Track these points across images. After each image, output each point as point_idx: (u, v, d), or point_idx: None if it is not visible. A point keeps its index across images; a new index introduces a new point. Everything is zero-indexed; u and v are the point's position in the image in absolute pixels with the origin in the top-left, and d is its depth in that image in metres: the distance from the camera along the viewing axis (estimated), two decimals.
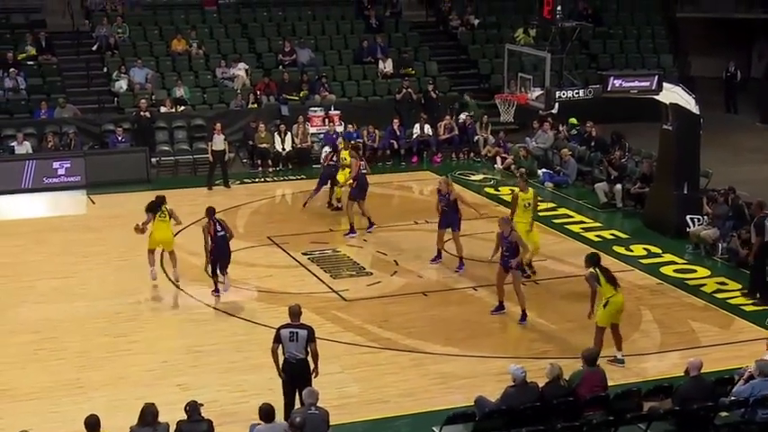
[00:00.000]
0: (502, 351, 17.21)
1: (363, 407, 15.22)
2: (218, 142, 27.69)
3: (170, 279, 20.38)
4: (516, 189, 21.10)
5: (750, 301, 19.43)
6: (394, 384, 15.98)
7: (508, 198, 26.25)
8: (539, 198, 21.80)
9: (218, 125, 28.06)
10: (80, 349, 17.26)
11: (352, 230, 23.34)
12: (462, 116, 31.78)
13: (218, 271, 19.48)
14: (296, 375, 13.94)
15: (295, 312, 14.28)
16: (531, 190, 20.89)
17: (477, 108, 32.17)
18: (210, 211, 19.36)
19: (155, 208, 20.09)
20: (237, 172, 28.87)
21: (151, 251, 20.23)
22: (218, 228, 19.20)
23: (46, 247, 22.75)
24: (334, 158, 25.18)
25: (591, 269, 16.52)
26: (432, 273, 21.14)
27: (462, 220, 21.08)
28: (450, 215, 20.92)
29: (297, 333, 13.98)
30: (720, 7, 40.81)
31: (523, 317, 18.49)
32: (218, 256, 19.33)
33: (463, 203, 21.27)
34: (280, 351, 14.06)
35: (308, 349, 13.99)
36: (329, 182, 25.28)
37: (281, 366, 14.11)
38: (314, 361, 14.05)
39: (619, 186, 25.66)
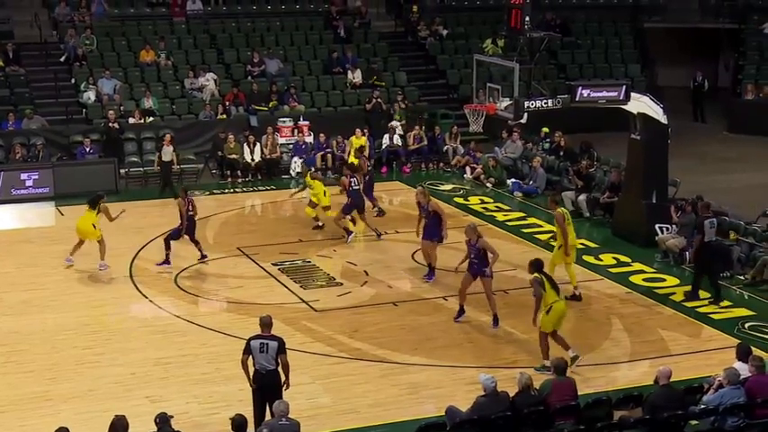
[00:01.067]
0: (472, 360, 17.22)
1: (334, 417, 15.18)
2: (167, 153, 28.21)
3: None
4: (560, 210, 20.08)
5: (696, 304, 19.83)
6: (365, 395, 15.96)
7: (477, 208, 26.41)
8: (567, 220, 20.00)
9: (168, 136, 28.70)
10: (48, 362, 17.13)
11: (348, 232, 23.55)
12: (394, 123, 31.65)
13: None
14: (266, 386, 13.88)
15: (266, 323, 14.22)
16: (559, 210, 20.10)
17: (405, 116, 32.13)
18: (184, 189, 22.27)
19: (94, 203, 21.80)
20: (207, 183, 28.81)
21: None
22: (191, 207, 21.65)
23: (14, 258, 22.59)
24: (353, 182, 23.77)
25: (536, 274, 16.68)
26: (402, 283, 21.14)
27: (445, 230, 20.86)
28: (431, 227, 20.77)
29: (267, 344, 13.93)
30: (687, 17, 41.22)
31: (495, 322, 18.58)
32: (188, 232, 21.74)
33: (442, 213, 21.00)
34: (250, 362, 14.01)
35: (279, 360, 13.94)
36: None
37: (251, 377, 14.06)
38: (284, 373, 13.99)
39: (583, 197, 25.74)
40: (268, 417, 13.50)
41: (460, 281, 18.86)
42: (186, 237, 21.86)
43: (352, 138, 29.46)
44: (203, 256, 22.06)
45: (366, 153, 28.01)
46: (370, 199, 25.19)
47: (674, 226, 22.45)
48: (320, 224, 24.47)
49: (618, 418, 13.71)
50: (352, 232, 23.66)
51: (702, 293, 20.26)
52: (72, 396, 15.85)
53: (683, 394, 13.91)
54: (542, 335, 16.64)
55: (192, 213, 21.83)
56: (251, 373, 14.04)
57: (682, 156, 26.82)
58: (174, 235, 21.81)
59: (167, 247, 21.72)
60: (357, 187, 23.82)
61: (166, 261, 21.75)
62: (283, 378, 14.00)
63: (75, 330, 18.53)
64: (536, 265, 16.85)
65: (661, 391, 13.65)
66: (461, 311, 18.97)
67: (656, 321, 19.09)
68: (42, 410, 15.33)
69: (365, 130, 30.07)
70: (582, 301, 19.76)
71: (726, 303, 19.87)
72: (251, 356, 13.98)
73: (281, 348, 13.95)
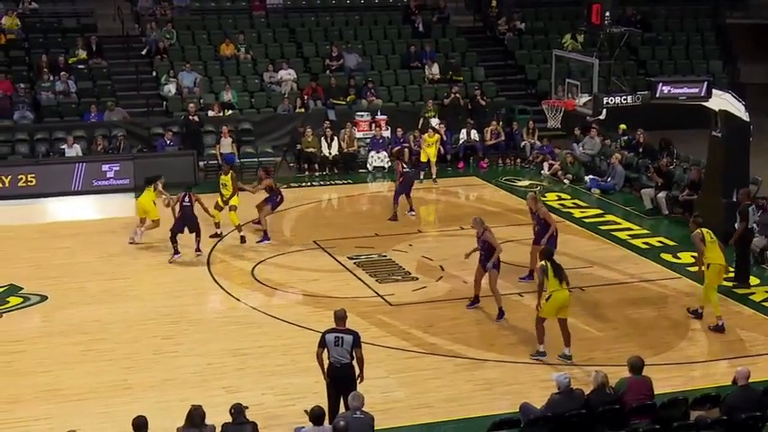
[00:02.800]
0: (547, 358, 17.10)
1: (409, 411, 15.22)
2: (226, 145, 28.83)
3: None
4: (699, 230, 18.70)
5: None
6: (439, 389, 15.98)
7: (554, 204, 26.27)
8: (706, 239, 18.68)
9: (225, 128, 29.36)
10: (128, 351, 17.41)
11: (265, 237, 23.35)
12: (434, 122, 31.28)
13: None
14: (340, 380, 13.95)
15: (341, 317, 14.29)
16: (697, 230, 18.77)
17: (438, 111, 31.84)
18: (186, 188, 22.72)
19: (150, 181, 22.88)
20: (284, 176, 29.00)
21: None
22: (186, 200, 21.93)
23: (95, 249, 22.95)
24: (404, 166, 25.38)
25: (543, 262, 16.99)
26: None
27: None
28: (540, 233, 20.18)
29: (342, 338, 14.00)
30: None
31: (500, 315, 18.73)
32: (186, 224, 22.03)
33: (550, 220, 20.36)
34: (325, 355, 14.08)
35: (354, 354, 14.00)
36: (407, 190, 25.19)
37: (325, 371, 14.14)
38: (359, 366, 14.05)
39: (663, 194, 25.49)
40: (342, 410, 13.58)
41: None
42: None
43: (425, 136, 29.42)
44: (198, 250, 22.15)
45: (435, 149, 28.70)
46: (396, 200, 25.07)
47: (754, 225, 22.11)
48: (219, 231, 23.52)
49: (695, 418, 13.57)
50: (267, 238, 23.34)
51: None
52: (150, 385, 16.09)
53: (762, 395, 13.72)
54: (539, 320, 17.03)
55: (188, 204, 21.87)
56: (326, 367, 14.10)
57: (763, 154, 26.39)
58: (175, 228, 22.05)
59: (173, 241, 21.91)
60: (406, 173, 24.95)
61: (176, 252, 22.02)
62: (358, 371, 14.06)
63: (154, 320, 18.80)
64: (545, 254, 17.35)
65: (739, 392, 13.48)
66: (476, 300, 19.24)
67: (735, 321, 18.82)
68: (122, 398, 15.59)
69: (438, 128, 30.05)
70: (723, 332, 18.24)
71: None
72: (326, 350, 14.04)
73: (356, 342, 14.01)
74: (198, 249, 22.12)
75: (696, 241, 18.63)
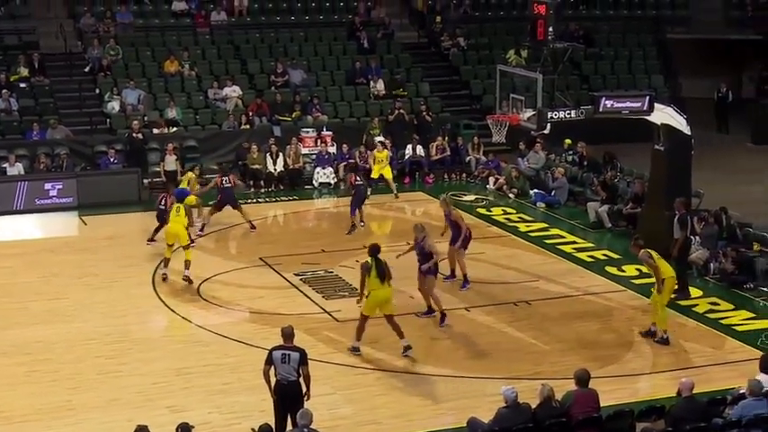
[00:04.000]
0: (494, 372, 17.16)
1: (356, 428, 15.18)
2: (170, 162, 28.83)
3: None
4: (647, 251, 18.56)
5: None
6: (386, 405, 15.95)
7: (500, 218, 26.38)
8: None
9: (170, 146, 29.28)
10: (72, 371, 17.20)
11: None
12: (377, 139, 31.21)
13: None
14: (288, 397, 13.89)
15: (288, 334, 14.24)
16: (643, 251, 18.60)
17: (382, 127, 31.88)
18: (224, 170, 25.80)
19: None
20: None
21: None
22: (227, 182, 25.00)
23: (38, 268, 22.70)
24: (358, 179, 25.70)
25: (368, 259, 17.49)
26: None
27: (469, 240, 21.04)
28: (454, 235, 20.90)
29: (289, 355, 13.94)
30: (711, 28, 41.01)
31: (442, 319, 19.12)
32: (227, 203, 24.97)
33: (461, 222, 21.06)
34: (272, 373, 14.02)
35: (301, 371, 13.95)
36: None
37: (272, 388, 14.07)
38: (306, 384, 13.99)
39: (605, 208, 25.69)
40: (289, 427, 13.51)
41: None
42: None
43: (375, 152, 29.41)
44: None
45: (382, 166, 28.77)
46: (353, 212, 25.40)
47: (696, 238, 22.35)
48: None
49: (640, 430, 13.66)
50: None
51: (725, 305, 20.28)
52: (95, 405, 15.90)
53: (706, 406, 13.84)
54: (362, 317, 17.67)
55: (229, 186, 25.09)
56: (273, 384, 14.05)
57: (705, 167, 26.71)
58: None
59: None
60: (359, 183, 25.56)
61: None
62: (305, 389, 14.01)
63: (97, 340, 18.60)
64: (370, 250, 17.72)
65: (684, 403, 13.58)
66: (430, 310, 19.46)
67: (679, 333, 18.98)
68: (65, 419, 15.41)
69: (386, 143, 30.11)
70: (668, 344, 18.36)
71: (749, 315, 19.82)
72: (273, 367, 13.99)
73: (303, 359, 13.97)
74: (252, 227, 25.08)
75: (647, 261, 18.52)
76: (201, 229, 24.63)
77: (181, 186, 24.66)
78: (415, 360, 17.58)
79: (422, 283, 19.25)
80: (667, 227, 21.68)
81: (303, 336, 17.32)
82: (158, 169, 29.41)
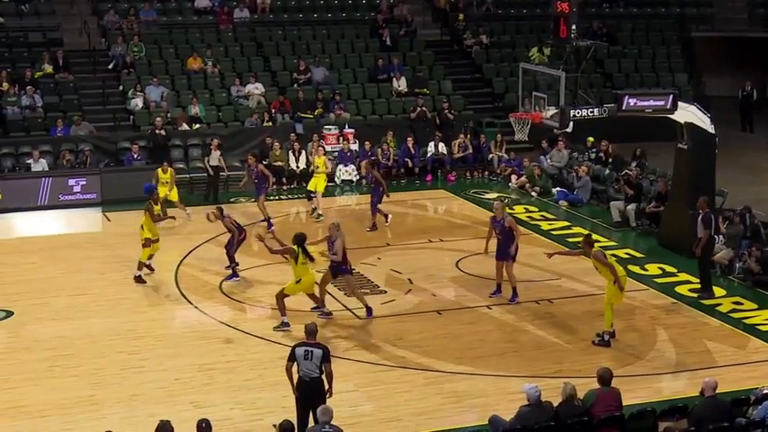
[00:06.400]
0: (516, 370, 17.15)
1: (377, 425, 15.18)
2: (214, 158, 28.64)
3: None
4: (596, 248, 18.60)
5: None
6: (408, 403, 15.94)
7: (522, 216, 26.33)
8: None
9: (215, 141, 29.09)
10: (94, 366, 17.27)
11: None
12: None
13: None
14: (310, 394, 13.91)
15: (311, 331, 14.28)
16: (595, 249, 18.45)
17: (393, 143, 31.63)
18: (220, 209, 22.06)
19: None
20: (251, 190, 28.86)
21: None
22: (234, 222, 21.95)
23: (61, 264, 22.80)
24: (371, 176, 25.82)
25: (294, 246, 18.24)
26: (446, 291, 21.09)
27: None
28: (503, 244, 20.05)
29: (312, 352, 13.96)
30: (735, 26, 40.82)
31: (368, 312, 19.43)
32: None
33: (517, 231, 20.25)
34: (294, 369, 14.04)
35: (323, 368, 13.97)
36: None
37: (295, 384, 14.09)
38: (328, 381, 14.01)
39: (632, 206, 25.59)
40: (311, 424, 13.52)
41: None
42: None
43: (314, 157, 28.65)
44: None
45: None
46: (374, 210, 25.34)
47: (720, 236, 22.24)
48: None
49: (663, 429, 13.61)
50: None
51: (748, 304, 20.19)
52: (117, 401, 15.95)
53: (730, 406, 13.78)
54: (282, 294, 18.54)
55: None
56: (295, 381, 14.06)
57: (729, 166, 26.60)
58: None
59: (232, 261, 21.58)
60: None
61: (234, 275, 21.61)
62: (327, 386, 14.03)
63: (120, 335, 18.67)
64: (296, 238, 18.43)
65: (707, 403, 13.52)
66: (369, 311, 19.50)
67: (702, 332, 18.93)
68: (87, 414, 15.45)
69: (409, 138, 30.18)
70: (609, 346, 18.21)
71: None
72: (295, 363, 14.01)
73: (326, 356, 13.98)
74: (270, 224, 24.76)
75: (602, 259, 18.12)
76: (270, 226, 24.85)
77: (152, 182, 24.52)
78: (429, 356, 17.60)
79: (326, 279, 19.61)
80: (690, 226, 21.63)
81: (325, 332, 17.37)
82: (201, 165, 29.43)
